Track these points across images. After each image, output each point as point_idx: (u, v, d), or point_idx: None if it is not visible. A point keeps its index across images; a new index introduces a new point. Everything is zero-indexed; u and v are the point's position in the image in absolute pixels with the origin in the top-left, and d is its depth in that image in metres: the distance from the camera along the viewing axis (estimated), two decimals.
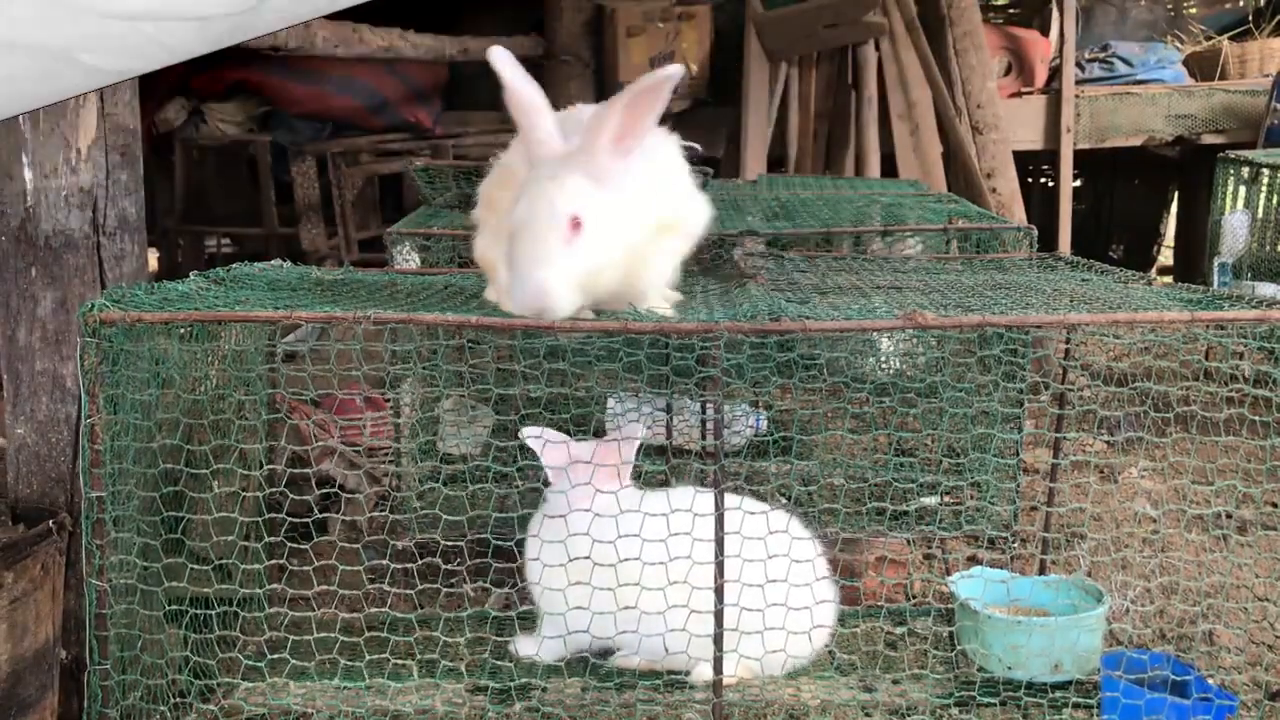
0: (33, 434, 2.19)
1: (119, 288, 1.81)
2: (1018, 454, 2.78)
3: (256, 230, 6.42)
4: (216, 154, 6.62)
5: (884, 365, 3.47)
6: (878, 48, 6.06)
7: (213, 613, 1.99)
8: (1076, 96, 6.56)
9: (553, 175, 1.74)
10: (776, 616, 1.98)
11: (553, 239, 1.69)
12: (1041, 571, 2.44)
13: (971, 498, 2.94)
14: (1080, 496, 2.84)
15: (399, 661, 2.13)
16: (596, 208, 1.73)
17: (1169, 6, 7.83)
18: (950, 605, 2.35)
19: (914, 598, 2.54)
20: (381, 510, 2.74)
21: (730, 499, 1.95)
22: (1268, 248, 4.75)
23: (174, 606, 1.89)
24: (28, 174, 2.15)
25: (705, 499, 1.89)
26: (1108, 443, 3.50)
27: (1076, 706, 2.01)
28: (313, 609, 2.08)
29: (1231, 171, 4.90)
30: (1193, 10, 7.84)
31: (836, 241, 3.26)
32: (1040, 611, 2.22)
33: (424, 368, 2.50)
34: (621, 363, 1.96)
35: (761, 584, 1.95)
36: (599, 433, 3.10)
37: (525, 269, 1.70)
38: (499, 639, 2.18)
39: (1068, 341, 2.36)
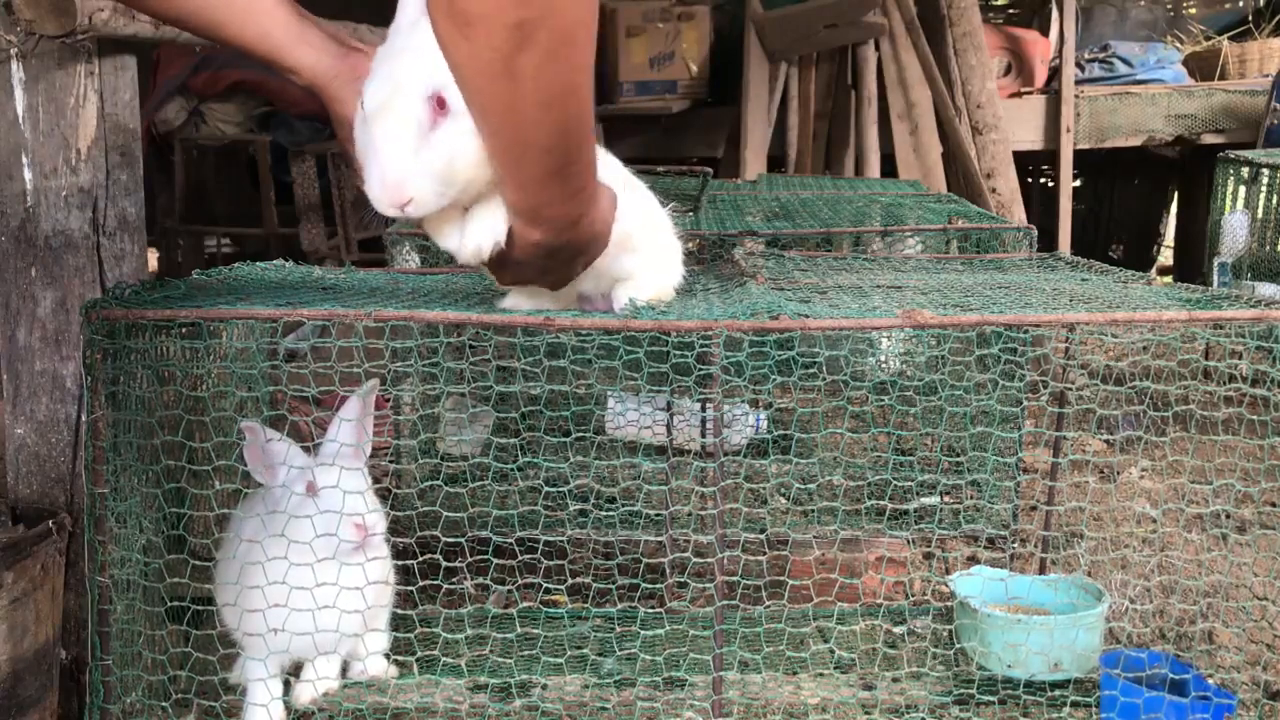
0: (33, 434, 2.19)
1: (122, 284, 1.81)
2: (1017, 453, 2.78)
3: (256, 230, 6.40)
4: (216, 154, 6.61)
5: (883, 364, 3.47)
6: (878, 48, 6.06)
7: (214, 609, 2.00)
8: (1076, 96, 6.55)
9: (407, 46, 1.46)
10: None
11: (412, 122, 1.43)
12: (1041, 570, 2.45)
13: (971, 497, 2.94)
14: (1080, 496, 2.84)
15: (399, 658, 2.14)
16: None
17: (1169, 6, 7.83)
18: (950, 604, 2.35)
19: (913, 597, 2.54)
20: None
21: None
22: (1268, 248, 4.75)
23: (175, 603, 1.89)
24: (28, 174, 2.15)
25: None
26: (1107, 442, 3.51)
27: (1075, 705, 2.02)
28: None
29: (1231, 171, 4.89)
30: (1193, 10, 7.84)
31: (836, 241, 3.27)
32: (1040, 610, 2.22)
33: (424, 365, 2.51)
34: (621, 360, 1.95)
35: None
36: (599, 431, 3.11)
37: (383, 158, 1.46)
38: (499, 636, 2.19)
39: (1067, 340, 2.36)
